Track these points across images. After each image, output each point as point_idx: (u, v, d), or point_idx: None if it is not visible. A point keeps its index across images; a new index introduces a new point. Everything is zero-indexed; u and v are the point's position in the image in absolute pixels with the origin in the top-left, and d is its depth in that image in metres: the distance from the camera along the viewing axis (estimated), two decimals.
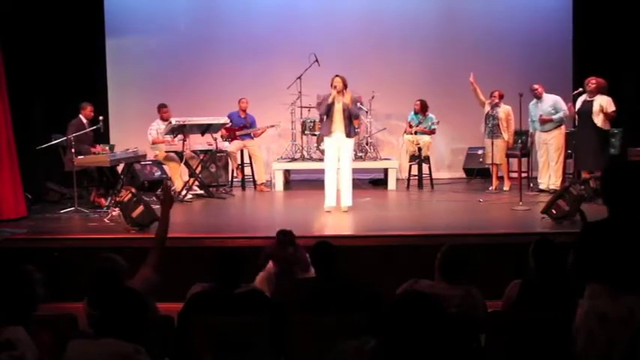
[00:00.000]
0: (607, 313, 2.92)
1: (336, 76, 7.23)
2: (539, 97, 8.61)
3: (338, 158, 7.42)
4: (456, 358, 2.46)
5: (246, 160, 9.96)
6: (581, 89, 8.33)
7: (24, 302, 2.92)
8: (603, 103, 7.99)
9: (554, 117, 8.51)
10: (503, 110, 8.83)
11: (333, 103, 7.20)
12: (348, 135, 7.33)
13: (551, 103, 8.55)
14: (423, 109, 9.68)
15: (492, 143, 8.83)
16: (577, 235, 3.15)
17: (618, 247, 2.94)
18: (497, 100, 8.86)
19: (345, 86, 7.21)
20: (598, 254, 2.97)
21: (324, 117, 7.39)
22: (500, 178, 9.16)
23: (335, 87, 7.16)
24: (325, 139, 7.53)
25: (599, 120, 8.02)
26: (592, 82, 8.08)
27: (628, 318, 2.88)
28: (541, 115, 8.53)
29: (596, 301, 2.97)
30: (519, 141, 9.02)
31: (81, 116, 8.36)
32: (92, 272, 3.57)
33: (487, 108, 8.97)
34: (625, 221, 2.98)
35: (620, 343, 2.90)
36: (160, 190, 4.58)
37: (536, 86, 8.63)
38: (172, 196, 4.59)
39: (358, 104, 7.98)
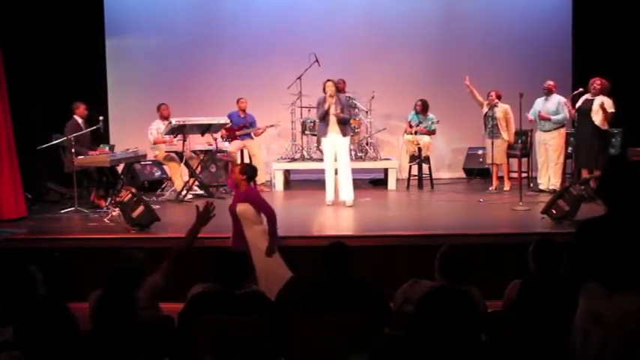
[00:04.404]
0: (602, 313, 2.91)
1: (328, 80, 7.68)
2: (548, 94, 8.60)
3: (335, 157, 7.80)
4: (459, 357, 2.46)
5: (246, 159, 9.94)
6: (581, 89, 8.38)
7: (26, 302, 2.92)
8: (604, 102, 8.04)
9: (553, 117, 8.49)
10: (501, 110, 8.82)
11: (328, 108, 7.59)
12: (344, 134, 7.73)
13: (555, 103, 8.55)
14: (424, 109, 9.64)
15: (492, 143, 8.83)
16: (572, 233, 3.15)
17: (613, 245, 2.92)
18: (495, 100, 8.86)
19: (337, 90, 7.64)
20: (593, 252, 2.96)
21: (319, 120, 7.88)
22: (501, 179, 9.14)
23: (328, 93, 7.55)
24: (322, 139, 7.94)
25: (597, 119, 8.09)
26: (597, 82, 8.17)
27: (623, 318, 2.87)
28: (540, 112, 8.53)
29: (591, 300, 2.96)
30: (519, 141, 9.02)
31: (75, 117, 8.25)
32: (113, 270, 3.56)
33: (485, 109, 8.97)
34: (622, 219, 2.97)
35: (615, 343, 2.88)
36: (203, 206, 4.43)
37: (550, 82, 8.61)
38: (210, 217, 4.46)
39: (351, 100, 8.24)
